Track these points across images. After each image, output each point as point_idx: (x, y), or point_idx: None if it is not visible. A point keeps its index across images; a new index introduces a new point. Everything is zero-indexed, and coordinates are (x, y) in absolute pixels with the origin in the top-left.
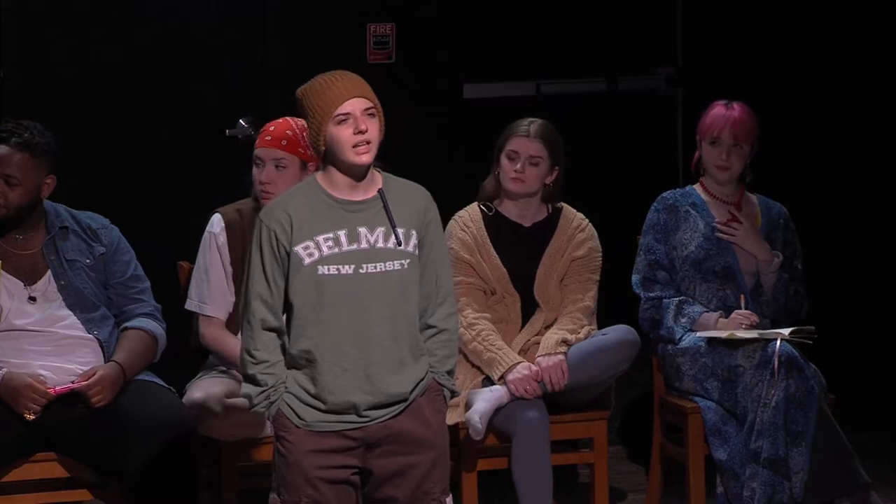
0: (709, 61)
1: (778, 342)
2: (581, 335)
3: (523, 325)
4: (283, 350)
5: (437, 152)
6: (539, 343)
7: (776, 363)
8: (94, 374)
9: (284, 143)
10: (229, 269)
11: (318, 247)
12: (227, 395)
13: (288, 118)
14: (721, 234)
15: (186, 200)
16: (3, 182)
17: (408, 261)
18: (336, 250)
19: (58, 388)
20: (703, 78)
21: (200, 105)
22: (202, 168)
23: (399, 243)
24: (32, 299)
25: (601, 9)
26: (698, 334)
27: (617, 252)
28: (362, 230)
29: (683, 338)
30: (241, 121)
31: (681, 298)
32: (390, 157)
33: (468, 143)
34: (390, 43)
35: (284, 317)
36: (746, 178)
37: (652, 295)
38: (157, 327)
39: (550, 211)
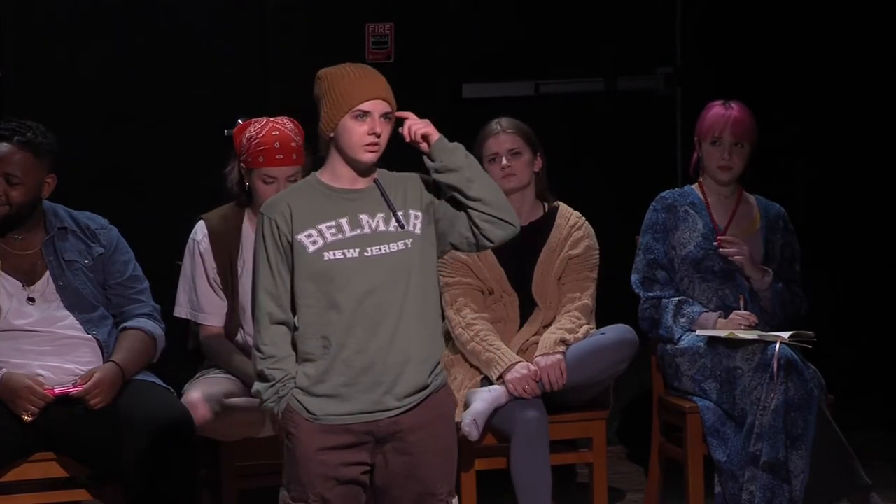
0: (708, 61)
1: (777, 345)
2: (580, 334)
3: (522, 325)
4: (295, 345)
5: None
6: (538, 342)
7: (775, 366)
8: (91, 377)
9: (295, 157)
10: (215, 276)
11: (321, 234)
12: (226, 395)
13: (276, 125)
14: (723, 250)
15: (186, 200)
16: (3, 180)
17: (410, 240)
18: (340, 236)
19: (56, 389)
20: (701, 78)
21: (200, 105)
22: (202, 168)
23: (401, 226)
24: (31, 300)
25: (601, 9)
26: (697, 332)
27: (616, 252)
28: (363, 216)
29: (683, 338)
30: (240, 120)
31: (680, 298)
32: (389, 157)
33: (468, 144)
34: (389, 42)
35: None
36: (745, 178)
37: (651, 294)
38: (155, 327)
39: (546, 209)
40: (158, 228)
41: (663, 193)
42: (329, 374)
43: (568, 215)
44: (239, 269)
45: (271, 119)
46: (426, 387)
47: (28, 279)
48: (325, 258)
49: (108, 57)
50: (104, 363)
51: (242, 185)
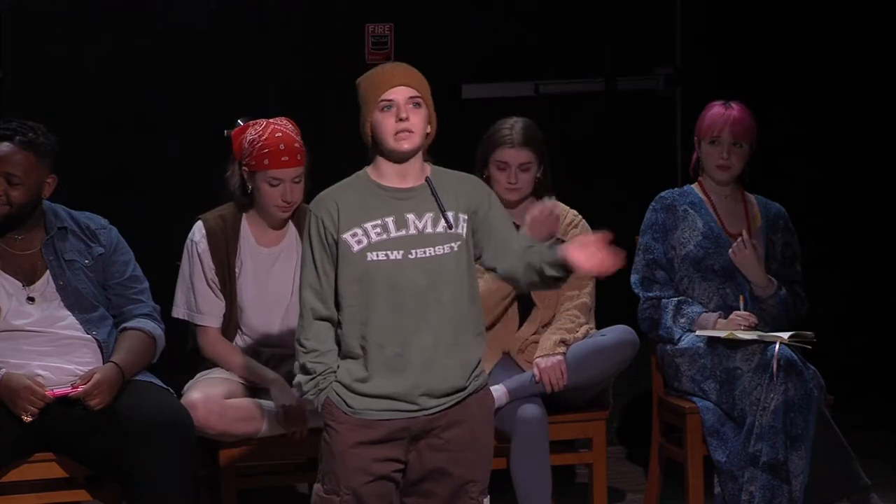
0: (707, 61)
1: (777, 346)
2: (579, 334)
3: (521, 324)
4: (338, 340)
5: (435, 152)
6: (537, 342)
7: (775, 366)
8: (91, 378)
9: (300, 157)
10: (213, 276)
11: (366, 234)
12: (225, 395)
13: (277, 126)
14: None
15: (185, 201)
16: (4, 180)
17: (457, 244)
18: (384, 237)
19: (56, 390)
20: (701, 78)
21: (200, 105)
22: (202, 168)
23: (450, 226)
24: (31, 299)
25: (600, 9)
26: (697, 333)
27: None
28: (410, 216)
29: (682, 338)
30: (240, 121)
31: (680, 298)
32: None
33: (467, 144)
34: (389, 43)
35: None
36: (744, 179)
37: (651, 295)
38: (155, 328)
39: None
40: (158, 228)
41: (663, 193)
42: (369, 371)
43: (564, 213)
44: (237, 271)
45: (271, 121)
46: (464, 388)
47: (28, 279)
48: (369, 258)
49: (108, 57)
50: (104, 363)
51: (245, 188)
